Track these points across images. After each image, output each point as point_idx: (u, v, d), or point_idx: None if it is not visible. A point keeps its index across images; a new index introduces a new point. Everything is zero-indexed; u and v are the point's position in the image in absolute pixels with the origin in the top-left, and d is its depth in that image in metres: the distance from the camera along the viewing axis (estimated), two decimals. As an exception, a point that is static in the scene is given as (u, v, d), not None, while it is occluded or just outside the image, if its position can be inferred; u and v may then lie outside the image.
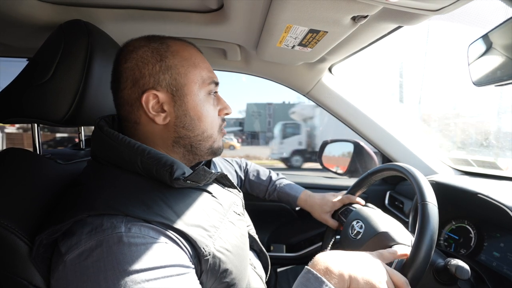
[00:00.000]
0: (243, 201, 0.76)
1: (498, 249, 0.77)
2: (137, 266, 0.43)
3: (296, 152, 9.90)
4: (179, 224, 0.50)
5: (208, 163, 0.78)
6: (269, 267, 0.82)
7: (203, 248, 0.51)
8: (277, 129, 10.74)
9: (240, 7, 0.76)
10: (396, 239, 0.68)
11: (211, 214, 0.58)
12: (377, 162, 1.39)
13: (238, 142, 12.64)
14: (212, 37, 0.98)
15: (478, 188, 0.83)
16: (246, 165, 1.17)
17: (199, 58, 0.64)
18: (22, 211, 0.52)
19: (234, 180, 1.03)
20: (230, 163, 1.12)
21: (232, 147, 12.07)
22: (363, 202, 0.96)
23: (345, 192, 1.00)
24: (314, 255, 0.55)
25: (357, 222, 0.81)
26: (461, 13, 0.63)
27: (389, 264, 0.62)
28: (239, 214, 0.67)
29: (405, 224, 0.90)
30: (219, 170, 0.95)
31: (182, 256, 0.49)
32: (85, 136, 0.95)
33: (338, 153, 1.57)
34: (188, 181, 0.55)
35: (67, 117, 0.67)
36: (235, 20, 0.84)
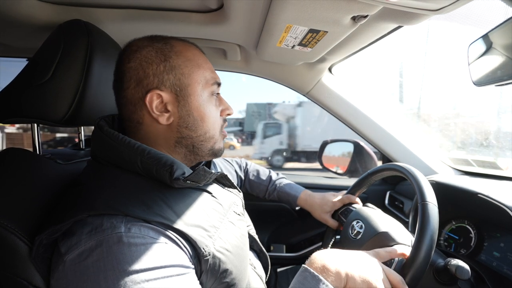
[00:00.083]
0: (243, 201, 0.76)
1: (498, 249, 0.77)
2: (137, 266, 0.43)
3: (277, 152, 9.88)
4: (179, 224, 0.50)
5: (208, 163, 0.78)
6: (269, 267, 0.82)
7: (203, 248, 0.51)
8: (259, 129, 10.73)
9: (240, 7, 0.76)
10: (396, 239, 0.68)
11: (211, 214, 0.57)
12: (377, 162, 1.39)
13: (238, 142, 12.63)
14: (212, 37, 0.98)
15: (478, 188, 0.83)
16: (246, 165, 1.17)
17: (202, 59, 0.64)
18: (22, 211, 0.52)
19: (234, 180, 1.03)
20: (230, 163, 1.12)
21: (232, 147, 12.06)
22: (360, 203, 0.96)
23: (345, 192, 1.00)
24: None
25: (357, 222, 0.81)
26: (461, 13, 0.63)
27: (389, 264, 0.62)
28: (239, 214, 0.67)
29: (405, 224, 0.90)
30: (219, 170, 0.95)
31: (182, 256, 0.49)
32: (85, 136, 0.95)
33: (338, 153, 1.57)
34: (188, 181, 0.55)
35: (67, 117, 0.67)
36: (235, 20, 0.84)
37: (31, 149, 0.68)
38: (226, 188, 0.70)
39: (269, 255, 0.83)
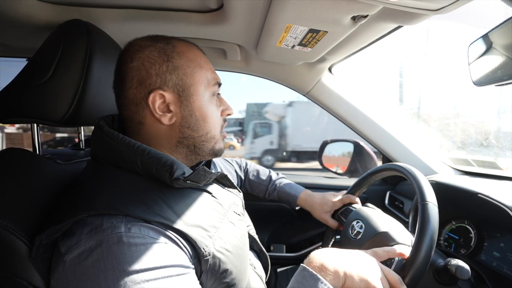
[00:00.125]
0: (243, 201, 0.76)
1: (498, 249, 0.77)
2: (136, 266, 0.43)
3: (267, 152, 9.86)
4: (179, 224, 0.50)
5: (208, 163, 0.78)
6: (269, 267, 0.82)
7: (203, 248, 0.51)
8: (249, 129, 10.69)
9: (240, 7, 0.76)
10: (396, 239, 0.68)
11: (211, 214, 0.57)
12: (377, 162, 1.39)
13: (238, 142, 12.63)
14: (212, 37, 0.98)
15: (478, 188, 0.83)
16: (246, 165, 1.17)
17: (203, 59, 0.64)
18: (21, 211, 0.52)
19: (234, 180, 1.03)
20: (230, 163, 1.12)
21: (232, 147, 12.05)
22: (360, 202, 0.96)
23: (345, 192, 1.00)
24: None
25: (357, 222, 0.81)
26: (461, 12, 0.63)
27: (389, 264, 0.62)
28: (239, 214, 0.67)
29: (405, 224, 0.90)
30: (219, 170, 0.95)
31: (182, 256, 0.49)
32: (85, 136, 0.95)
33: (338, 153, 1.57)
34: (188, 181, 0.55)
35: (66, 117, 0.67)
36: (235, 20, 0.84)
37: (31, 149, 0.68)
38: (226, 188, 0.70)
39: (269, 255, 0.83)
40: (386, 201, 1.28)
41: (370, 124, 1.23)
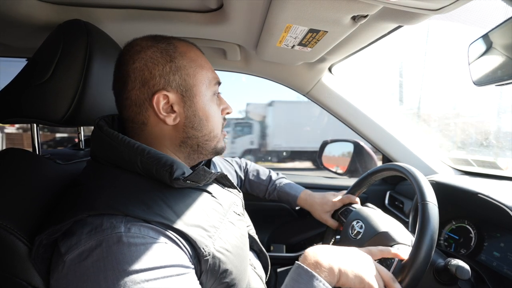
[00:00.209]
0: (243, 201, 0.76)
1: (498, 249, 0.77)
2: (136, 266, 0.43)
3: (247, 152, 9.81)
4: (179, 224, 0.50)
5: (208, 163, 0.78)
6: (269, 267, 0.82)
7: (203, 248, 0.51)
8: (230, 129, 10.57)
9: (240, 7, 0.76)
10: (396, 239, 0.68)
11: (211, 214, 0.57)
12: (377, 162, 1.39)
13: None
14: (212, 37, 0.98)
15: (478, 188, 0.83)
16: (246, 165, 1.17)
17: (204, 59, 0.64)
18: (21, 212, 0.52)
19: (234, 180, 1.03)
20: (230, 163, 1.12)
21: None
22: (359, 202, 0.96)
23: (345, 192, 1.00)
24: None
25: (357, 222, 0.81)
26: (461, 13, 0.63)
27: (389, 264, 0.62)
28: (239, 214, 0.67)
29: (405, 224, 0.90)
30: (219, 170, 0.95)
31: (181, 256, 0.49)
32: (84, 136, 0.95)
33: (338, 153, 1.57)
34: (188, 181, 0.55)
35: (66, 117, 0.67)
36: (235, 20, 0.84)
37: (30, 149, 0.68)
38: (226, 188, 0.70)
39: (269, 255, 0.83)
40: (386, 201, 1.28)
41: (370, 124, 1.23)
